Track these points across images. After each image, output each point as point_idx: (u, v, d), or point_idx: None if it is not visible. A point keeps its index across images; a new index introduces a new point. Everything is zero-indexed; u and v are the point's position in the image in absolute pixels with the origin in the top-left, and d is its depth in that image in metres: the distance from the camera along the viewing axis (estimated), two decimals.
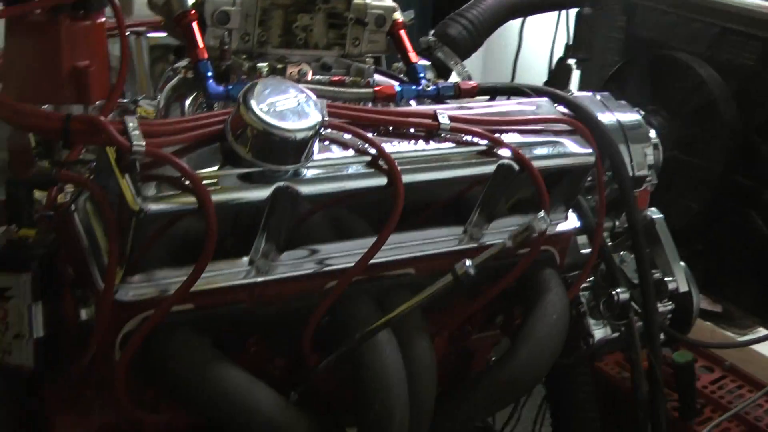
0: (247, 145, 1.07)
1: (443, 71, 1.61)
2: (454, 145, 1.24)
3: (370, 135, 1.16)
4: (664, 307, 1.53)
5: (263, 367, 1.22)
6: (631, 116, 1.53)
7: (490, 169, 1.24)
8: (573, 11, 2.12)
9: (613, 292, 1.45)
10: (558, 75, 2.25)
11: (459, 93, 1.43)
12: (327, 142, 1.16)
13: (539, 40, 2.28)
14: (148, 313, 1.08)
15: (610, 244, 1.53)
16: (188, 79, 1.34)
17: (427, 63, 1.58)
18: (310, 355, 1.20)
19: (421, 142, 1.23)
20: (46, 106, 1.21)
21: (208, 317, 1.13)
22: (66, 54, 1.20)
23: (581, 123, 1.37)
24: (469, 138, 1.25)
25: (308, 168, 1.12)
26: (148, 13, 1.41)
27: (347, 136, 1.17)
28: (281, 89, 1.09)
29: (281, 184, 1.09)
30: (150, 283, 1.08)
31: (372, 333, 1.13)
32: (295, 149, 1.09)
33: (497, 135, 1.26)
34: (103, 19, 1.25)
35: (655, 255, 1.53)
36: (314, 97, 1.11)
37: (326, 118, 1.12)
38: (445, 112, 1.24)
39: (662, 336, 1.54)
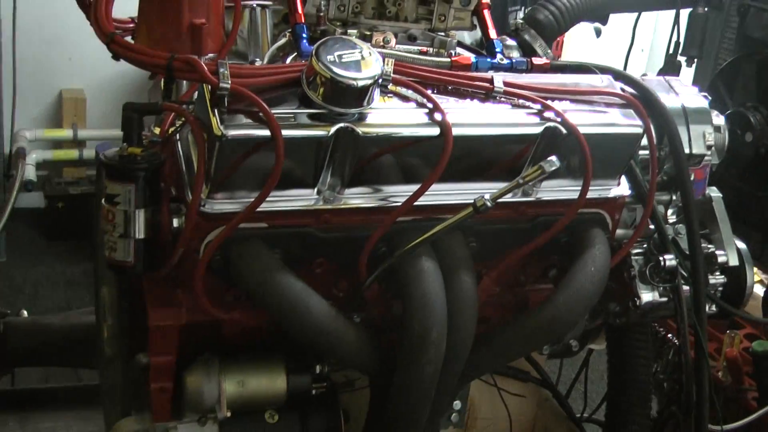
0: (317, 90, 1.28)
1: (529, 51, 1.76)
2: (508, 107, 1.41)
3: (429, 92, 1.35)
4: (715, 279, 1.63)
5: (328, 288, 1.42)
6: (697, 100, 1.63)
7: (537, 130, 1.39)
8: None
9: (660, 258, 1.57)
10: (666, 71, 2.35)
11: (531, 67, 1.59)
12: (391, 95, 1.35)
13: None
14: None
15: (673, 218, 1.63)
16: (290, 40, 1.56)
17: (514, 43, 1.74)
18: (365, 277, 1.38)
19: (477, 102, 1.40)
20: None
21: (278, 235, 1.34)
22: (185, 12, 1.44)
23: (638, 99, 1.50)
24: (523, 102, 1.41)
25: (370, 114, 1.32)
26: None
27: (410, 93, 1.36)
28: (349, 45, 1.29)
29: (342, 124, 1.28)
30: (230, 201, 1.30)
31: (407, 252, 1.31)
32: (356, 95, 1.28)
33: (549, 101, 1.41)
34: None
35: (710, 231, 1.63)
36: (377, 53, 1.30)
37: (389, 73, 1.31)
38: (500, 77, 1.40)
39: (715, 308, 1.65)
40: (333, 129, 1.28)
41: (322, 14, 1.51)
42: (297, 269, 1.35)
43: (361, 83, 1.27)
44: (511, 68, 1.58)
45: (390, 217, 1.34)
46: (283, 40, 1.59)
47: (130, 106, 1.32)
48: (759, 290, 1.97)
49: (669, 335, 1.98)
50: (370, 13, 1.57)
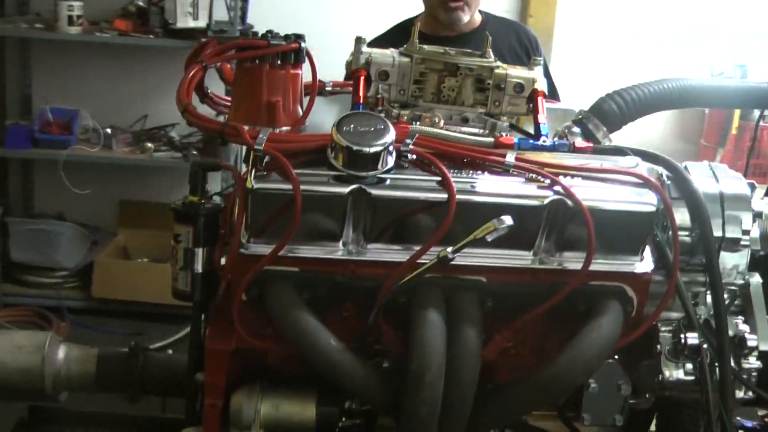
0: (338, 156, 1.51)
1: (591, 139, 1.88)
2: (521, 181, 1.56)
3: (440, 162, 1.54)
4: (749, 364, 1.65)
5: (354, 331, 1.62)
6: (737, 186, 1.69)
7: (544, 202, 1.54)
8: None
9: (683, 335, 1.62)
10: None
11: (573, 149, 1.72)
12: (408, 165, 1.56)
13: None
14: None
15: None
16: None
17: (577, 130, 1.87)
18: (381, 324, 1.57)
19: (493, 176, 1.57)
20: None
21: (307, 279, 1.57)
22: (264, 92, 1.73)
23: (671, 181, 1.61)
24: (535, 177, 1.56)
25: (389, 179, 1.53)
26: None
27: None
28: (366, 119, 1.52)
29: (357, 185, 1.50)
30: (265, 245, 1.55)
31: (402, 286, 1.49)
32: (370, 160, 1.50)
33: (560, 177, 1.56)
34: (299, 71, 1.76)
35: (746, 315, 1.67)
36: (391, 126, 1.52)
37: (408, 143, 1.53)
38: (513, 154, 1.57)
39: (750, 394, 1.66)
40: (348, 189, 1.51)
41: (380, 96, 1.75)
42: (325, 311, 1.57)
43: (372, 150, 1.49)
44: (553, 149, 1.72)
45: (396, 272, 1.53)
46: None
47: (196, 164, 1.62)
48: None
49: None
50: (429, 97, 1.79)
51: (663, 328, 1.67)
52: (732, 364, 1.64)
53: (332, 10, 5.13)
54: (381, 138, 1.50)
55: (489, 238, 1.45)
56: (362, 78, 1.76)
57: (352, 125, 1.51)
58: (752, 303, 1.67)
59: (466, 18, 3.11)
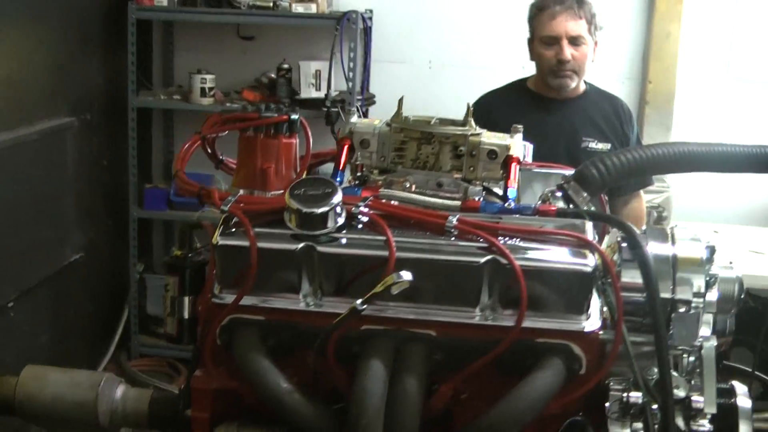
0: (291, 218, 1.68)
1: (572, 203, 1.95)
2: (462, 242, 1.67)
3: (384, 222, 1.67)
4: (698, 426, 1.66)
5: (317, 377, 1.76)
6: (692, 249, 1.73)
7: (480, 260, 1.64)
8: None
9: (626, 394, 1.66)
10: None
11: (537, 213, 1.81)
12: (361, 225, 1.71)
13: None
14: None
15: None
16: None
17: (559, 194, 1.96)
18: (335, 370, 1.71)
19: (435, 237, 1.69)
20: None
21: (271, 327, 1.73)
22: (258, 158, 1.93)
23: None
24: (475, 237, 1.67)
25: (341, 238, 1.68)
26: None
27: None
28: (315, 184, 1.68)
29: (305, 243, 1.66)
30: (232, 296, 1.73)
31: (333, 328, 1.63)
32: (319, 220, 1.66)
33: (500, 239, 1.66)
34: (292, 140, 1.95)
35: (699, 378, 1.69)
36: (339, 190, 1.67)
37: (354, 207, 1.68)
38: (456, 216, 1.68)
39: None
40: (298, 246, 1.67)
41: (358, 163, 1.91)
42: (292, 358, 1.72)
43: (320, 211, 1.65)
44: (517, 212, 1.82)
45: (337, 322, 1.66)
46: None
47: (183, 224, 1.83)
48: None
49: None
50: (409, 164, 1.93)
51: (615, 387, 1.71)
52: (682, 425, 1.67)
53: (453, 78, 5.35)
54: (328, 200, 1.66)
55: (394, 291, 1.57)
56: (346, 146, 1.93)
57: (303, 189, 1.68)
58: (703, 365, 1.68)
59: (572, 85, 3.66)
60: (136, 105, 5.02)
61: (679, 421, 1.66)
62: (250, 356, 1.69)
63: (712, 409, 1.66)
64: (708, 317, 1.76)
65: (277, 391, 1.67)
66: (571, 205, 1.91)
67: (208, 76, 5.03)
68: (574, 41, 3.55)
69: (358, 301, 1.59)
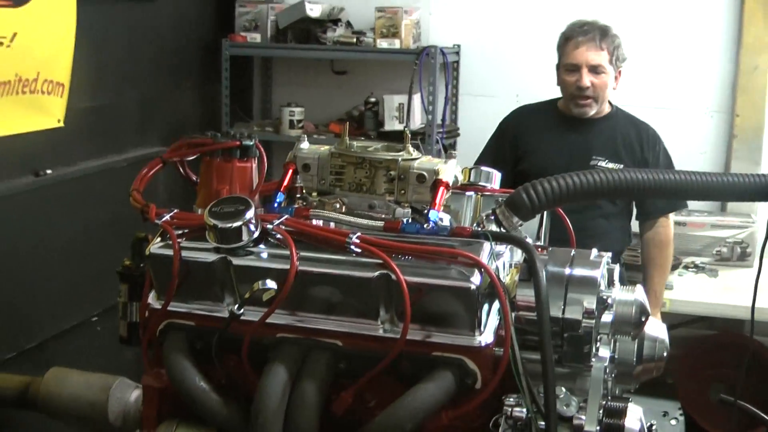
0: (210, 233, 1.86)
1: (502, 227, 2.02)
2: (361, 257, 1.80)
3: (291, 238, 1.82)
4: None
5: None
6: (588, 271, 1.78)
7: (372, 275, 1.76)
8: None
9: (509, 408, 1.73)
10: None
11: (453, 233, 1.91)
12: (277, 242, 1.86)
13: None
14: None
15: None
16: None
17: (492, 217, 2.04)
18: (249, 374, 1.86)
19: (335, 253, 1.82)
20: None
21: (198, 332, 1.91)
22: (214, 180, 2.12)
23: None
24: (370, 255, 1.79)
25: (258, 251, 1.84)
26: None
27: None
28: (232, 202, 1.85)
29: (219, 255, 1.83)
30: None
31: (221, 332, 1.81)
32: (233, 235, 1.82)
33: (394, 256, 1.77)
34: (247, 164, 2.13)
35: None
36: (252, 207, 1.83)
37: (265, 224, 1.84)
38: (357, 234, 1.81)
39: None
40: (214, 257, 1.84)
41: (298, 186, 2.06)
42: (219, 359, 1.89)
43: (233, 225, 1.82)
44: (434, 233, 1.92)
45: (250, 330, 1.81)
46: None
47: (138, 235, 2.04)
48: None
49: None
50: (347, 186, 2.06)
51: (508, 402, 1.78)
52: None
53: None
54: (241, 216, 1.83)
55: (264, 298, 1.72)
56: (290, 170, 2.09)
57: (220, 207, 1.85)
58: (590, 384, 1.73)
59: (591, 112, 3.89)
60: None
61: None
62: (172, 357, 1.88)
63: (591, 428, 1.70)
64: (605, 339, 1.81)
65: (192, 389, 1.84)
66: (501, 229, 1.99)
67: (297, 109, 5.31)
68: (594, 70, 3.78)
69: (234, 306, 1.74)
